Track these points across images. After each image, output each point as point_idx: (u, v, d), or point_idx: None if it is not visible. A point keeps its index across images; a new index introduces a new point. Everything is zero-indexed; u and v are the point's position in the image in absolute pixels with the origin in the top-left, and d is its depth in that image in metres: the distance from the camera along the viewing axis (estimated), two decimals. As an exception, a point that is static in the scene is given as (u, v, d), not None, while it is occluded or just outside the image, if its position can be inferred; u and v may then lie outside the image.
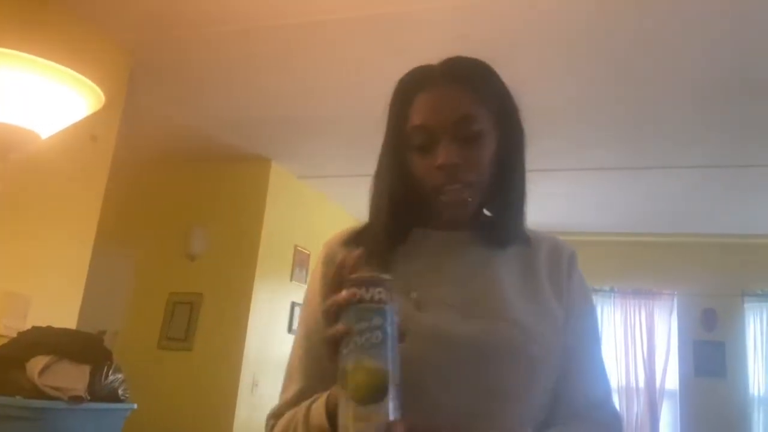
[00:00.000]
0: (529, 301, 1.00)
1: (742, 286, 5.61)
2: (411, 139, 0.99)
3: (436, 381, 0.91)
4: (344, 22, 2.99)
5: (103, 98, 2.30)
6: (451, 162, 0.95)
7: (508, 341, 0.93)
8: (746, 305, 5.58)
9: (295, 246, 5.03)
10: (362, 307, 0.74)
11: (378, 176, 1.06)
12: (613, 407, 1.06)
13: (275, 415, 1.00)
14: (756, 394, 5.36)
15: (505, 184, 1.02)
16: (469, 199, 0.99)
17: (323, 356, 0.87)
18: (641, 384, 5.59)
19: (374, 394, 0.71)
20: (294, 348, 1.07)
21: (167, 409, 4.22)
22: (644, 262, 5.90)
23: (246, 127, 4.28)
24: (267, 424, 1.02)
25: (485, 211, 1.07)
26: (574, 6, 2.75)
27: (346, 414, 0.72)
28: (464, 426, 0.88)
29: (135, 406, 2.61)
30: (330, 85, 3.61)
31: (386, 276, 0.77)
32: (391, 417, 0.71)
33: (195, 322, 4.52)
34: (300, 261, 5.04)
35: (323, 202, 5.52)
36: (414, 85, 1.01)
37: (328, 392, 0.86)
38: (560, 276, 1.05)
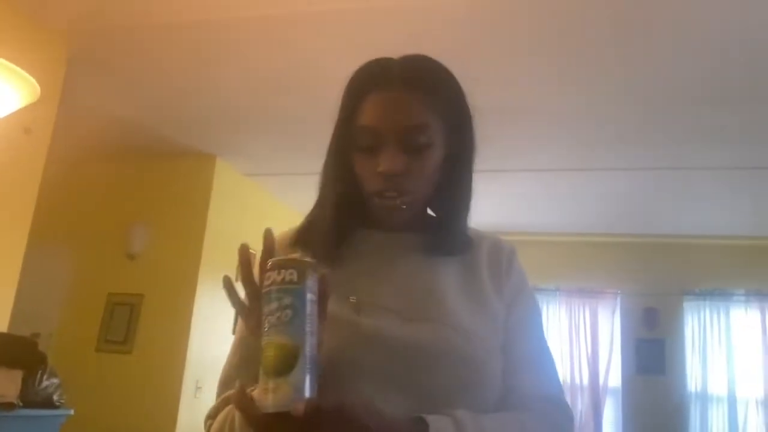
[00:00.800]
0: (470, 303, 1.00)
1: (682, 285, 5.78)
2: (357, 138, 0.96)
3: (373, 385, 0.89)
4: (295, 17, 2.93)
5: (38, 89, 2.22)
6: (393, 170, 0.93)
7: (447, 345, 0.93)
8: (685, 304, 5.75)
9: (241, 245, 4.91)
10: (273, 289, 0.77)
11: (324, 172, 1.03)
12: (565, 402, 1.05)
13: (211, 416, 0.99)
14: (693, 390, 5.53)
15: (451, 192, 1.01)
16: (404, 207, 0.97)
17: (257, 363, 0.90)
18: (585, 382, 5.69)
19: (281, 366, 0.74)
20: (229, 354, 1.06)
21: (106, 415, 4.08)
22: (589, 262, 6.02)
23: (190, 121, 4.16)
24: (205, 424, 1.01)
25: (429, 212, 1.06)
26: (528, 8, 2.76)
27: (259, 387, 0.76)
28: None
29: (71, 411, 2.53)
30: (279, 81, 3.53)
31: (297, 256, 0.82)
32: (307, 393, 0.74)
33: (135, 323, 4.37)
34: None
35: (271, 201, 5.42)
36: (368, 82, 0.97)
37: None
38: (500, 273, 1.05)
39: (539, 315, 1.11)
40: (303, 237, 1.03)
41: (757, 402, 5.40)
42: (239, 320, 1.05)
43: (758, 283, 5.62)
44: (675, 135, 3.89)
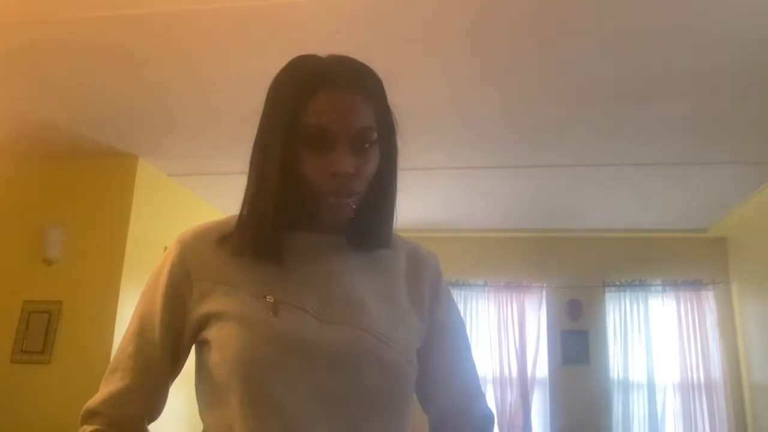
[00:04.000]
0: (388, 308, 1.01)
1: (603, 277, 5.98)
2: (305, 136, 0.94)
3: (289, 389, 0.89)
4: (217, 13, 2.85)
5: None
6: (347, 171, 0.93)
7: (365, 350, 0.94)
8: (606, 295, 5.96)
9: (166, 248, 4.75)
10: None
11: (260, 167, 0.99)
12: (490, 412, 1.14)
13: (95, 413, 1.03)
14: (616, 377, 5.73)
15: (379, 194, 1.02)
16: (353, 206, 0.98)
17: (153, 357, 0.97)
18: (514, 374, 5.81)
19: None
20: (124, 342, 1.04)
21: (24, 429, 3.88)
22: (515, 257, 6.15)
23: (109, 120, 3.99)
24: (81, 421, 1.05)
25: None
26: (450, 6, 2.78)
27: None
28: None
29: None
30: (201, 78, 3.43)
31: None
32: None
33: (54, 332, 4.16)
34: (171, 263, 4.79)
35: (196, 202, 5.28)
36: (316, 78, 0.95)
37: None
38: (422, 290, 1.08)
39: (465, 327, 1.18)
40: (237, 240, 0.99)
41: (674, 387, 5.66)
42: (141, 308, 1.04)
43: (674, 274, 5.89)
44: (593, 132, 4.01)
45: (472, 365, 1.15)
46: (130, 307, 4.19)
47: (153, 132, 4.16)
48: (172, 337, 1.01)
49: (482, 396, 1.15)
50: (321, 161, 0.94)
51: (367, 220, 1.03)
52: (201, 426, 1.01)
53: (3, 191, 4.49)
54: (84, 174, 4.51)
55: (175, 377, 1.06)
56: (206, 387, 0.98)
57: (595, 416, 5.64)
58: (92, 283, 4.25)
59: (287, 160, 0.95)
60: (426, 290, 1.08)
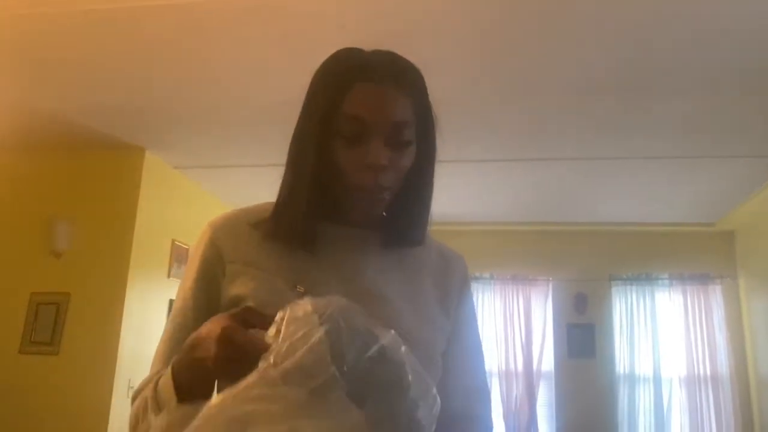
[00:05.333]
0: (414, 307, 1.01)
1: (609, 270, 5.97)
2: (341, 126, 0.93)
3: None
4: (222, 7, 2.85)
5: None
6: (381, 163, 0.92)
7: None
8: (613, 289, 5.95)
9: (173, 240, 4.79)
10: None
11: (295, 159, 0.99)
12: (491, 418, 1.14)
13: (135, 395, 0.97)
14: (622, 371, 5.74)
15: (415, 190, 1.02)
16: (385, 201, 0.98)
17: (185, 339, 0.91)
18: (519, 367, 5.82)
19: None
20: (166, 325, 1.03)
21: (32, 419, 3.91)
22: (522, 250, 6.15)
23: (117, 113, 3.99)
24: (132, 403, 0.98)
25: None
26: (445, 2, 2.77)
27: None
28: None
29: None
30: (208, 73, 3.42)
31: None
32: None
33: (62, 324, 4.18)
34: (178, 256, 4.81)
35: (201, 194, 5.30)
36: (355, 71, 0.95)
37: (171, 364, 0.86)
38: (450, 291, 1.08)
39: (479, 330, 1.17)
40: (271, 226, 1.00)
41: (680, 380, 5.65)
42: (178, 295, 1.02)
43: (681, 267, 5.87)
44: (600, 125, 4.00)
45: (483, 371, 1.15)
46: (138, 298, 4.22)
47: (160, 125, 4.17)
48: (204, 320, 1.01)
49: (489, 404, 1.14)
50: (355, 153, 0.93)
51: (401, 217, 1.03)
52: None
53: (12, 184, 4.52)
54: (92, 167, 4.53)
55: None
56: None
57: (600, 410, 5.64)
58: (100, 275, 4.27)
59: (323, 150, 0.94)
60: (454, 292, 1.08)
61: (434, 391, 0.77)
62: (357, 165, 0.93)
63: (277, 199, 1.01)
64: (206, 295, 0.99)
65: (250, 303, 0.95)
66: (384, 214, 1.03)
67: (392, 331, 0.76)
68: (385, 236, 1.03)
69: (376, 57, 0.98)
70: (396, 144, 0.95)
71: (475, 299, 5.85)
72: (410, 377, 0.74)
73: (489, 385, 1.17)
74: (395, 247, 1.04)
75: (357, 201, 0.97)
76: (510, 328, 5.92)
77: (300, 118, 1.00)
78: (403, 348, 0.75)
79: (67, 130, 4.23)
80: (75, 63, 3.38)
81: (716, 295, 5.76)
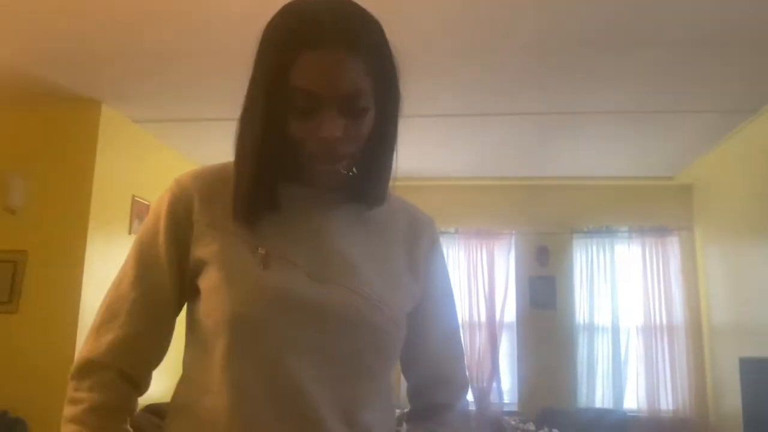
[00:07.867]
0: (379, 268, 1.00)
1: (571, 224, 6.07)
2: (291, 99, 0.88)
3: (275, 345, 0.89)
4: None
5: None
6: (335, 136, 0.89)
7: (355, 312, 0.93)
8: (574, 242, 6.06)
9: (133, 196, 4.69)
10: None
11: (247, 122, 0.95)
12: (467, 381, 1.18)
13: (99, 365, 0.97)
14: (581, 321, 5.89)
15: (376, 148, 0.98)
16: (343, 171, 0.96)
17: (161, 300, 0.94)
18: (483, 318, 5.93)
19: None
20: (121, 286, 0.99)
21: (-8, 378, 3.86)
22: (485, 205, 6.20)
23: (69, 63, 3.83)
24: (79, 375, 1.00)
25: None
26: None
27: None
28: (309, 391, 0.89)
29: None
30: (167, 15, 3.24)
31: None
32: None
33: (20, 282, 4.10)
34: (139, 212, 4.73)
35: (162, 149, 5.17)
36: (299, 38, 0.87)
37: None
38: (418, 255, 1.07)
39: (453, 292, 1.17)
40: (221, 182, 0.98)
41: (637, 330, 5.83)
42: (139, 253, 1.00)
43: (640, 221, 5.99)
44: (561, 80, 4.00)
45: (458, 336, 1.16)
46: (98, 254, 4.14)
47: (117, 76, 4.02)
48: (179, 278, 0.98)
49: (463, 364, 1.17)
50: (308, 125, 0.90)
51: (363, 175, 1.00)
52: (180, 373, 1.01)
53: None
54: (46, 120, 4.38)
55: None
56: (191, 335, 0.98)
57: (561, 359, 5.80)
58: (58, 232, 4.18)
59: (275, 121, 0.90)
60: (422, 255, 1.07)
61: None
62: (311, 137, 0.90)
63: (234, 166, 0.97)
64: (177, 252, 0.97)
65: (212, 268, 0.93)
66: (351, 173, 0.99)
67: None
68: (347, 195, 1.01)
69: (327, 15, 0.88)
70: (351, 113, 0.90)
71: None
72: None
73: (461, 343, 1.18)
74: (359, 205, 1.01)
75: (317, 173, 0.95)
76: (474, 280, 6.01)
77: (250, 84, 0.94)
78: None
79: (17, 82, 4.06)
80: (26, 8, 3.22)
81: (673, 247, 5.91)
